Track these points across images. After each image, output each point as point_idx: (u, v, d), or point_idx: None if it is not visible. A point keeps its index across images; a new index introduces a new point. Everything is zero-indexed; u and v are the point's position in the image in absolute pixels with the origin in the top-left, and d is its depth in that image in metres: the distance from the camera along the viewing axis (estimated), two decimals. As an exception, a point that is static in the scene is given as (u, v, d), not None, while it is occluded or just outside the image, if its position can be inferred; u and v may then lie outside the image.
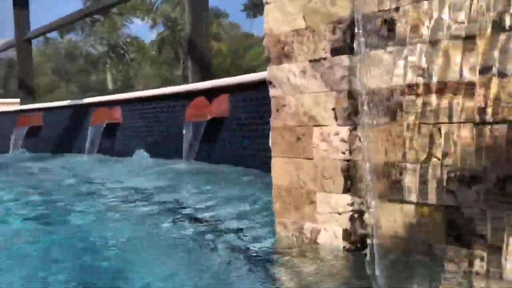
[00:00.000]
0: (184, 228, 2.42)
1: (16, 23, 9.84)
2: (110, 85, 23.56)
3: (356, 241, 1.69)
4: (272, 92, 1.92)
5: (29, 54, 9.94)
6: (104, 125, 6.41)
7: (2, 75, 14.03)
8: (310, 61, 1.73)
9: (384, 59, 1.52)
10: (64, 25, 9.20)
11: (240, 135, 4.46)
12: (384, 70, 1.52)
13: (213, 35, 19.62)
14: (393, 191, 1.50)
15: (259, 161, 4.16)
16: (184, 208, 2.98)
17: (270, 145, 1.94)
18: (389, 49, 1.51)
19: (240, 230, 2.26)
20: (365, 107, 1.49)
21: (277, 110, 1.90)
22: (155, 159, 5.51)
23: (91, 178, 4.49)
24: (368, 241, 1.52)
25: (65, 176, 4.65)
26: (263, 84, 4.35)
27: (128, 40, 20.51)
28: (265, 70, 2.14)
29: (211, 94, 4.82)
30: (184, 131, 4.89)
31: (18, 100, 10.12)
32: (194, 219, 2.60)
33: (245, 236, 2.16)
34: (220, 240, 2.12)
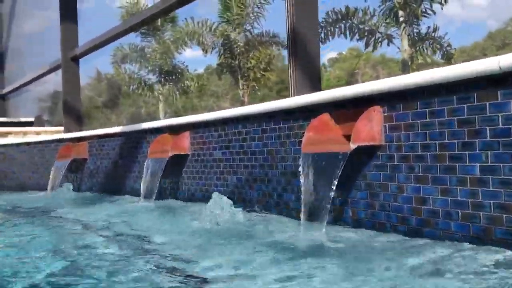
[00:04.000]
0: None
1: (63, 39, 8.51)
2: (161, 117, 22.35)
3: None
4: None
5: (76, 75, 8.53)
6: (167, 158, 4.67)
7: (49, 102, 12.95)
8: None
9: None
10: (113, 39, 7.71)
11: (411, 178, 2.55)
12: None
13: (266, 63, 17.98)
14: None
15: (468, 229, 2.23)
16: None
17: None
18: None
19: None
20: None
21: None
22: (244, 211, 3.66)
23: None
24: None
25: (132, 256, 2.77)
26: (463, 86, 1.99)
27: (182, 67, 19.23)
28: None
29: (343, 109, 2.98)
30: (300, 168, 3.04)
31: (62, 128, 8.69)
32: None
33: None
34: None
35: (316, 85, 3.97)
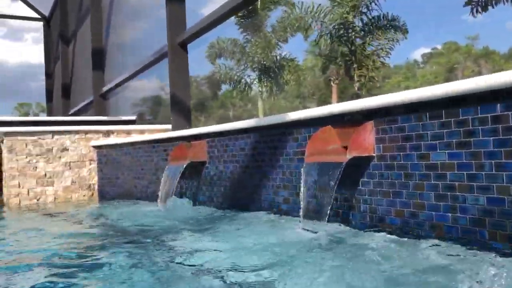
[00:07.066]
0: None
1: (169, 22, 7.24)
2: (260, 116, 21.03)
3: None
4: None
5: (184, 63, 7.22)
6: (343, 163, 3.03)
7: (149, 105, 12.07)
8: None
9: None
10: (223, 19, 6.25)
11: None
12: None
13: (387, 50, 15.71)
14: None
15: None
16: None
17: None
18: None
19: None
20: None
21: None
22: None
23: None
24: None
25: None
26: None
27: (283, 62, 17.67)
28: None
29: None
30: None
31: (167, 126, 7.45)
32: None
33: None
34: None
35: None
